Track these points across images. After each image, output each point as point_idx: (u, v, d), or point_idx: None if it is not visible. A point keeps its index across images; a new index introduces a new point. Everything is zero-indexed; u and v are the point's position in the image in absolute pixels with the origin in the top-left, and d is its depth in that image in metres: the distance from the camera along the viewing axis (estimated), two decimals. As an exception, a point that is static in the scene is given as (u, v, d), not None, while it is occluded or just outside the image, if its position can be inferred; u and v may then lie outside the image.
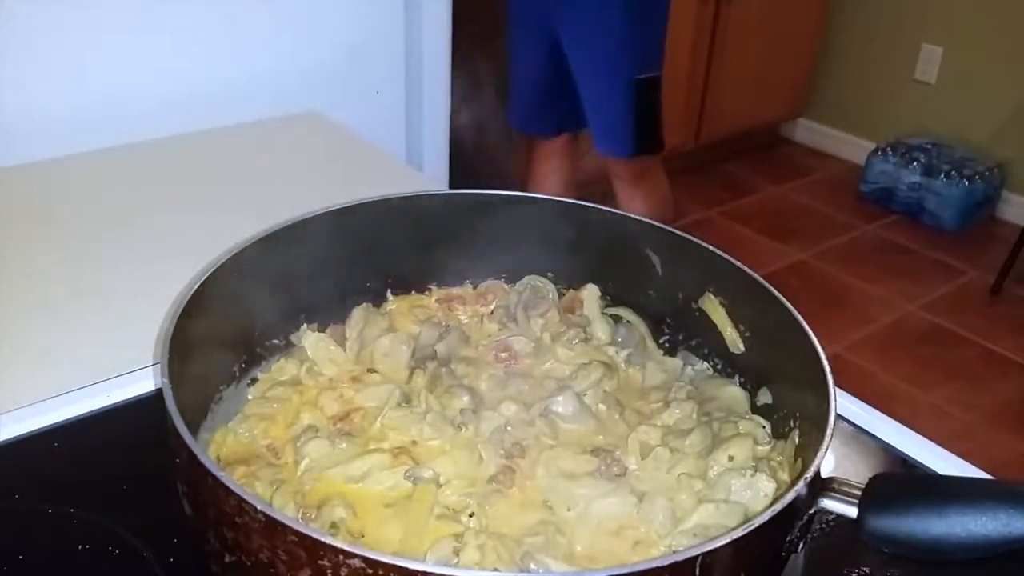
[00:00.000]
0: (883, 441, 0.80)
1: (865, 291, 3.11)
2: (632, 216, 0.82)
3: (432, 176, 1.55)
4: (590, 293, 0.86)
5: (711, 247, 0.77)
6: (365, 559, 0.46)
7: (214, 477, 0.51)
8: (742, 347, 0.77)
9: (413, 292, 0.88)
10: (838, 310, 2.99)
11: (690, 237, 0.78)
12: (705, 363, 0.81)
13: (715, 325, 0.78)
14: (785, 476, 0.65)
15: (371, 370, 0.78)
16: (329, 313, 0.82)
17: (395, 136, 1.59)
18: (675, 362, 0.82)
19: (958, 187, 3.38)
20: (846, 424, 0.81)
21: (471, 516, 0.63)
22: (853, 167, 3.82)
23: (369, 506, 0.64)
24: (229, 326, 0.74)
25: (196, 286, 0.67)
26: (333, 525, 0.61)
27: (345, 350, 0.80)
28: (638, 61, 2.09)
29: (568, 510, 0.65)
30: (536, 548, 0.59)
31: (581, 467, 0.68)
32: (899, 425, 0.82)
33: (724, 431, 0.70)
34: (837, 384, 0.62)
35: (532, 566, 0.58)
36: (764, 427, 0.72)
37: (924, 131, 3.61)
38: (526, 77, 2.30)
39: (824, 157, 4.04)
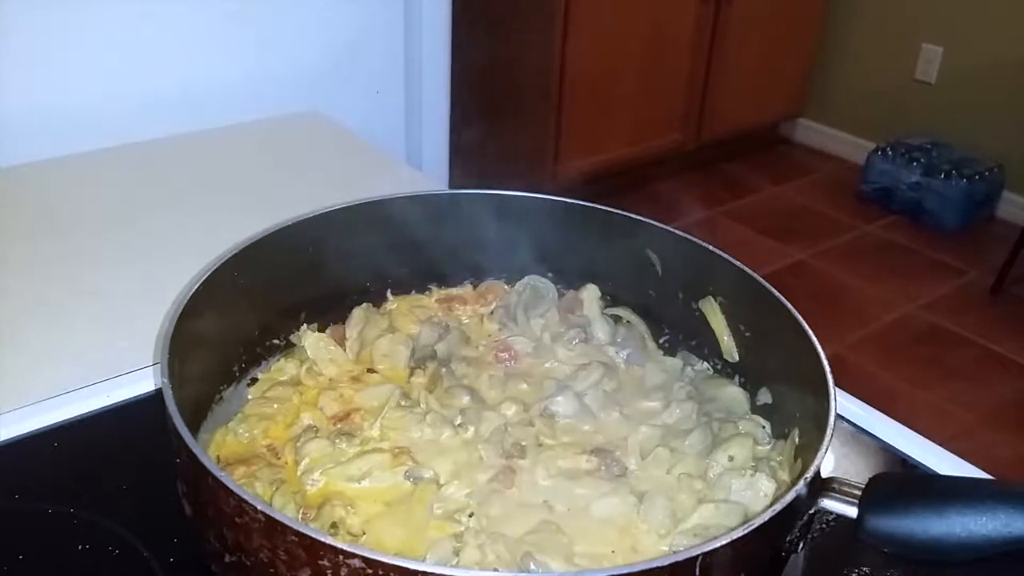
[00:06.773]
0: (883, 441, 0.80)
1: (865, 291, 3.11)
2: (632, 216, 0.82)
3: (432, 176, 1.54)
4: (590, 293, 0.86)
5: (711, 247, 0.77)
6: (365, 559, 0.46)
7: (214, 477, 0.51)
8: (737, 356, 0.78)
9: (413, 292, 0.88)
10: (838, 310, 2.98)
11: (690, 237, 0.79)
12: (705, 363, 0.81)
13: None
14: (785, 476, 0.66)
15: (371, 370, 0.78)
16: (329, 313, 0.82)
17: (395, 136, 1.59)
18: (675, 362, 0.82)
19: (958, 187, 3.38)
20: (846, 424, 0.81)
21: (471, 516, 0.63)
22: (853, 167, 3.81)
23: (369, 506, 0.64)
24: (229, 326, 0.74)
25: (196, 286, 0.67)
26: (333, 525, 0.61)
27: (345, 350, 0.80)
28: None
29: (568, 510, 0.65)
30: (536, 548, 0.59)
31: (581, 467, 0.68)
32: (899, 425, 0.82)
33: (724, 431, 0.71)
34: (837, 384, 0.62)
35: (532, 566, 0.58)
36: (764, 427, 0.72)
37: (924, 131, 3.60)
38: None
39: (824, 157, 4.04)
